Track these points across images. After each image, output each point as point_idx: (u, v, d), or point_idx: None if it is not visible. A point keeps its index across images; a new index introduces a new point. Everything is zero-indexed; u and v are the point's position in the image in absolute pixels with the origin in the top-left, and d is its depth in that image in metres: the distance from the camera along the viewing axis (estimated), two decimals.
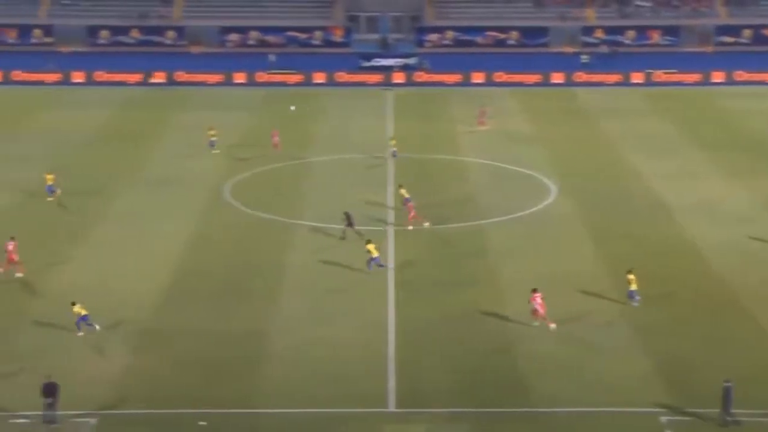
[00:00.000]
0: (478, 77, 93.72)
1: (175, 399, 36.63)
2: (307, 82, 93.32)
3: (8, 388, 36.97)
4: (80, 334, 41.01)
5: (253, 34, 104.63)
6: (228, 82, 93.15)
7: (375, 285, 46.54)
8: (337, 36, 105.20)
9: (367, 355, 40.09)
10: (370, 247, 47.83)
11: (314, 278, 47.52)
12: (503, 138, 73.40)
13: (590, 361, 39.53)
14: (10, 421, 34.92)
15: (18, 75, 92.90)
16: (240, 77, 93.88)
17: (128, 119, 79.13)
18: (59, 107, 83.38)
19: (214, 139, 68.86)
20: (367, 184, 62.03)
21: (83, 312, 41.19)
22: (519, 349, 40.35)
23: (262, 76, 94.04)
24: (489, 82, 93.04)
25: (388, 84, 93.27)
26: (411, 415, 35.77)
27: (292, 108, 55.77)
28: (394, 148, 67.53)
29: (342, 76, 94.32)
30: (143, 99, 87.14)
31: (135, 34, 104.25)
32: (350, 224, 51.94)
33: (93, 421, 35.02)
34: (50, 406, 34.63)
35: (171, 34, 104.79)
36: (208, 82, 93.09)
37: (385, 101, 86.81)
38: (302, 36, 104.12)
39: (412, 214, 53.82)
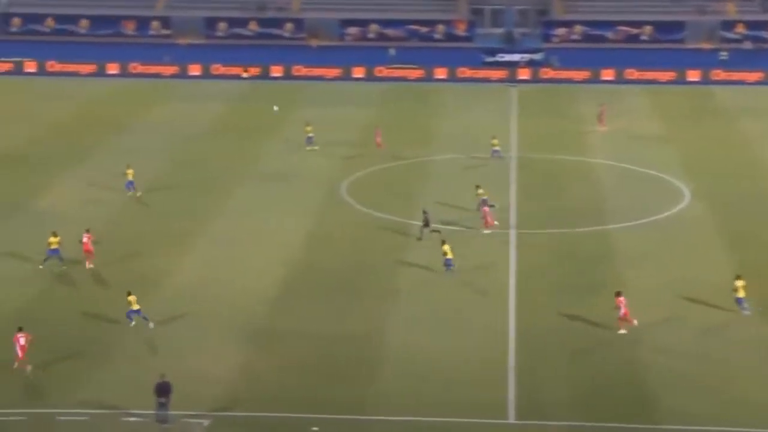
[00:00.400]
0: (607, 74, 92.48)
1: (288, 402, 37.12)
2: (428, 78, 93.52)
3: (121, 386, 38.00)
4: (132, 324, 42.25)
5: (373, 27, 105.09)
6: (346, 77, 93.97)
7: (495, 289, 46.39)
8: (460, 30, 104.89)
9: (485, 362, 39.98)
10: (446, 248, 47.92)
11: (430, 280, 47.62)
12: (632, 138, 72.28)
13: (724, 376, 38.62)
14: (123, 419, 35.86)
15: (135, 67, 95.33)
16: (359, 72, 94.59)
17: (244, 113, 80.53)
18: (175, 100, 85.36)
19: (311, 135, 69.49)
20: (486, 184, 61.76)
21: (135, 306, 42.17)
22: (646, 361, 39.69)
23: (381, 71, 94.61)
24: (619, 80, 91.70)
25: (512, 80, 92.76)
26: (531, 428, 35.51)
27: (276, 108, 56.41)
28: (497, 148, 66.89)
29: (464, 72, 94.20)
30: (259, 93, 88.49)
31: (253, 26, 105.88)
32: (426, 224, 51.97)
33: (205, 422, 35.69)
34: (163, 406, 35.38)
35: (289, 26, 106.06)
36: (326, 77, 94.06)
37: (509, 98, 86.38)
38: (423, 30, 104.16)
39: (488, 219, 53.32)
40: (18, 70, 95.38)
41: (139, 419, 35.74)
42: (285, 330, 42.58)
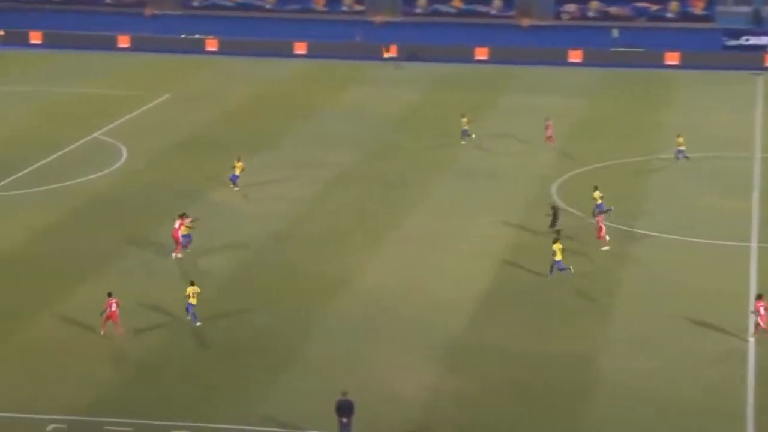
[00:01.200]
0: None
1: (486, 427, 36.99)
2: (657, 63, 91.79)
3: (296, 401, 38.54)
4: (189, 318, 43.56)
5: (594, 4, 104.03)
6: (560, 61, 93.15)
7: (729, 311, 44.98)
8: (697, 8, 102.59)
9: (717, 394, 38.81)
10: (557, 247, 47.55)
11: (652, 298, 46.65)
12: None
13: None
14: None
15: (323, 47, 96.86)
16: (575, 56, 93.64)
17: (443, 99, 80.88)
18: (368, 83, 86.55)
19: (466, 128, 69.08)
20: (723, 188, 60.09)
21: (193, 300, 43.19)
22: None
23: (602, 55, 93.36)
24: None
25: (759, 68, 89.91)
26: None
27: (256, 160, 56.60)
28: (682, 148, 64.50)
29: (701, 57, 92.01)
30: (464, 77, 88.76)
31: (456, 2, 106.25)
32: (553, 222, 51.87)
33: None
34: (345, 427, 35.57)
35: (497, 3, 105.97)
36: (537, 61, 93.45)
37: (754, 89, 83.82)
38: (654, 8, 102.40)
39: (602, 230, 51.78)
40: (199, 48, 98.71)
41: None
42: (484, 347, 42.46)
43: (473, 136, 68.61)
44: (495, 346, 42.53)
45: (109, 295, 42.76)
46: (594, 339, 43.10)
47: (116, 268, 49.39)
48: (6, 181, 61.62)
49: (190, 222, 50.72)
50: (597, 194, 54.72)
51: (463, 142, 68.65)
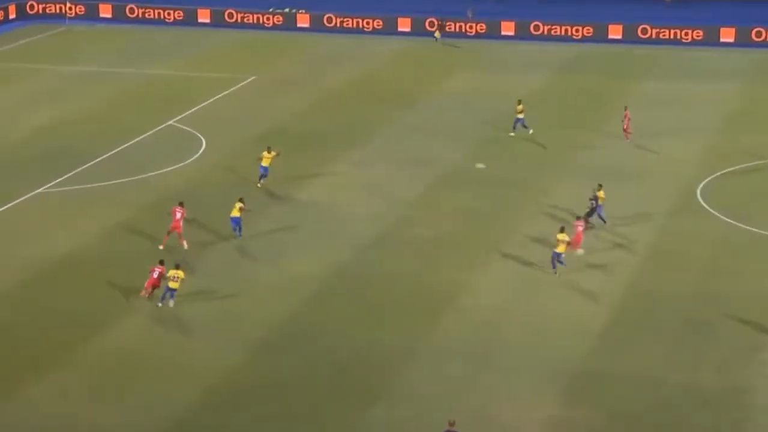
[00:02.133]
0: None
1: None
2: None
3: (398, 429, 38.82)
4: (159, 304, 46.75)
5: None
6: (711, 41, 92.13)
7: None
8: None
9: None
10: (561, 237, 49.23)
11: None
12: None
13: None
14: None
15: (432, 24, 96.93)
16: (727, 34, 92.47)
17: (570, 86, 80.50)
18: (481, 68, 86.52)
19: (520, 116, 68.67)
20: None
21: (174, 284, 46.44)
22: None
23: (760, 34, 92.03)
24: None
25: None
26: None
27: (480, 166, 55.53)
28: None
29: None
30: (594, 59, 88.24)
31: None
32: (589, 213, 53.55)
33: None
34: None
35: None
36: (683, 40, 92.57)
37: None
38: None
39: (578, 235, 51.78)
40: (289, 25, 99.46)
41: None
42: (612, 372, 42.24)
43: (531, 131, 68.36)
44: (625, 370, 42.28)
45: (161, 263, 46.92)
46: (747, 366, 42.60)
47: (197, 271, 50.11)
48: (74, 172, 62.90)
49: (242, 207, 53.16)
50: (601, 194, 55.08)
51: (512, 134, 68.64)
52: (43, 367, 42.44)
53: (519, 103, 69.09)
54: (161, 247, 52.11)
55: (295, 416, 39.51)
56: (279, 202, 58.63)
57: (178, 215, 52.48)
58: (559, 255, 49.53)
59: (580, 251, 51.61)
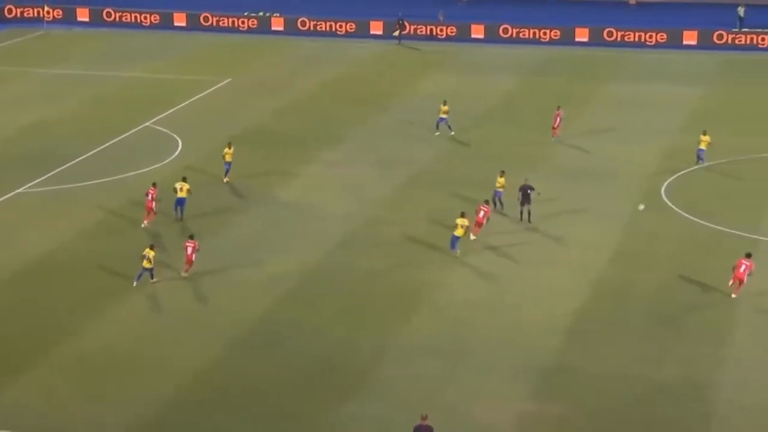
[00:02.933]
0: None
1: None
2: None
3: (369, 425, 38.55)
4: (153, 281, 48.43)
5: None
6: (674, 44, 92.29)
7: None
8: None
9: None
10: (461, 221, 50.59)
11: None
12: None
13: None
14: None
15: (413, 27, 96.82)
16: (690, 37, 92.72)
17: (538, 88, 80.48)
18: (453, 70, 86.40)
19: (444, 116, 68.97)
20: None
21: (148, 265, 47.86)
22: None
23: (722, 37, 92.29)
24: None
25: None
26: None
27: (641, 207, 55.49)
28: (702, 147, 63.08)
29: None
30: (562, 61, 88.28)
31: None
32: (523, 200, 54.82)
33: None
34: None
35: None
36: (648, 43, 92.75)
37: None
38: None
39: (478, 220, 52.98)
40: (264, 28, 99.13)
41: None
42: (584, 369, 42.15)
43: (453, 133, 68.77)
44: (597, 367, 42.22)
45: (191, 237, 49.35)
46: (711, 362, 42.58)
47: (173, 269, 49.80)
48: (53, 172, 62.46)
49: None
50: (502, 180, 56.40)
51: (437, 133, 68.91)
52: (21, 366, 42.02)
53: (444, 104, 69.48)
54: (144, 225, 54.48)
55: (270, 414, 39.22)
56: (255, 201, 58.35)
57: (150, 196, 54.42)
58: (456, 238, 50.75)
59: (473, 237, 52.69)
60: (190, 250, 48.96)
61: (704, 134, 63.27)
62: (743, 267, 47.07)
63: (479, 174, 61.36)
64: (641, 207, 55.64)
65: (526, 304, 47.27)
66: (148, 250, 48.13)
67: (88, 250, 52.46)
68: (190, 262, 49.06)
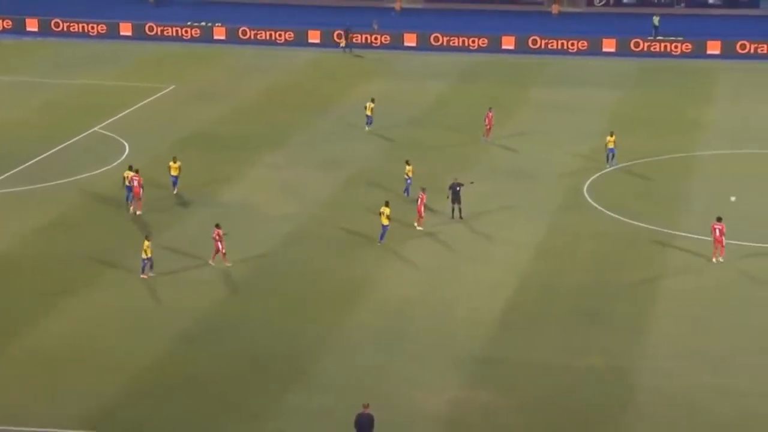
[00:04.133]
0: None
1: None
2: (699, 53, 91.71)
3: (316, 420, 38.68)
4: (143, 276, 48.42)
5: None
6: (594, 51, 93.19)
7: None
8: None
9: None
10: (386, 210, 51.82)
11: (695, 307, 46.81)
12: None
13: None
14: None
15: (339, 36, 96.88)
16: (609, 45, 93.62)
17: (469, 93, 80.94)
18: (390, 75, 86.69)
19: (370, 114, 70.10)
20: None
21: (147, 254, 47.98)
22: None
23: (638, 45, 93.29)
24: None
25: None
26: None
27: (732, 199, 55.78)
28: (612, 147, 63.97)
29: (745, 46, 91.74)
30: (490, 68, 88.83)
31: None
32: (454, 199, 55.47)
33: None
34: None
35: None
36: (569, 51, 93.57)
37: None
38: None
39: (419, 214, 54.42)
40: (207, 37, 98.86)
41: None
42: (513, 360, 42.62)
43: (367, 129, 70.58)
44: (525, 357, 42.68)
45: (217, 226, 49.81)
46: (632, 351, 43.16)
47: (122, 267, 49.80)
48: (4, 176, 62.14)
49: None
50: (409, 168, 58.11)
51: (367, 129, 69.94)
52: None
53: (372, 101, 70.65)
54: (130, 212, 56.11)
55: (217, 406, 39.25)
56: (200, 203, 58.30)
57: (135, 182, 55.80)
58: (384, 227, 51.82)
59: (419, 228, 53.56)
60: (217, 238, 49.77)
61: (611, 135, 63.82)
62: (717, 231, 49.75)
63: (415, 172, 61.88)
64: (732, 199, 56.22)
65: (458, 297, 47.68)
66: (145, 242, 48.36)
67: (42, 249, 52.28)
68: (219, 251, 49.93)
